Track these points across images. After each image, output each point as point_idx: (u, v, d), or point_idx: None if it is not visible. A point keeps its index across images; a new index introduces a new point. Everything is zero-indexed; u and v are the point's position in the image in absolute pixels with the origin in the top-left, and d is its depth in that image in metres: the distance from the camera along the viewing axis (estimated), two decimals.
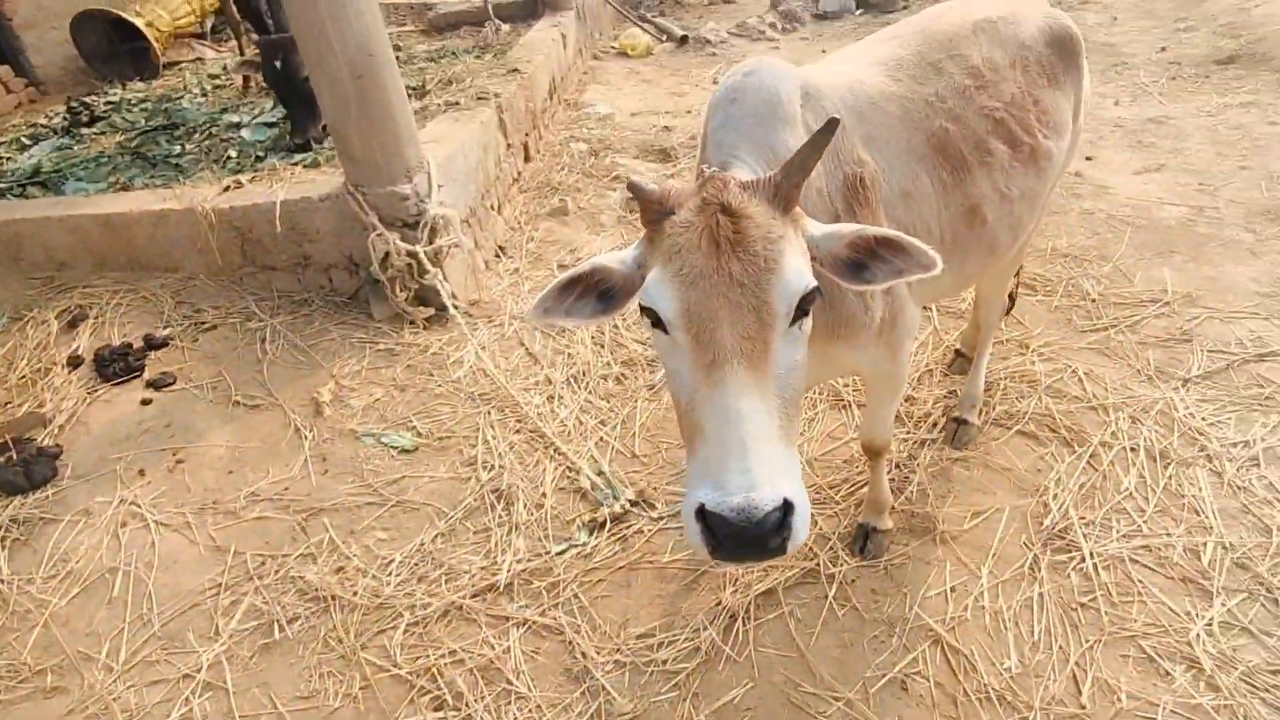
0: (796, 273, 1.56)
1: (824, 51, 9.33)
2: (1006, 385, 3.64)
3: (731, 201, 1.58)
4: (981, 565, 2.85)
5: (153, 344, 4.09)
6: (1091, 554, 2.83)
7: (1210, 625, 2.57)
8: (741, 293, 1.53)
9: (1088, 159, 5.65)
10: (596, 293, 1.77)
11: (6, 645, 2.86)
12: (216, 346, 4.12)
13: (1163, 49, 7.88)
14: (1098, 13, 9.36)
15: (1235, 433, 3.26)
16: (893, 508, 3.01)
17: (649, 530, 3.12)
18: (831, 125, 1.59)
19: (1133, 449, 3.24)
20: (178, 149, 5.46)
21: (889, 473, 3.08)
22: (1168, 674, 2.46)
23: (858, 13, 11.23)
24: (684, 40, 9.98)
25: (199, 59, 8.02)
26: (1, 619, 2.94)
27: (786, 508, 1.44)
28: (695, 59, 9.36)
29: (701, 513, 1.45)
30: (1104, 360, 3.74)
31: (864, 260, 1.73)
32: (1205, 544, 2.83)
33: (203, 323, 4.25)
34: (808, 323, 1.64)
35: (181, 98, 6.61)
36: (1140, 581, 2.74)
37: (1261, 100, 6.39)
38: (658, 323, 1.61)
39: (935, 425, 3.47)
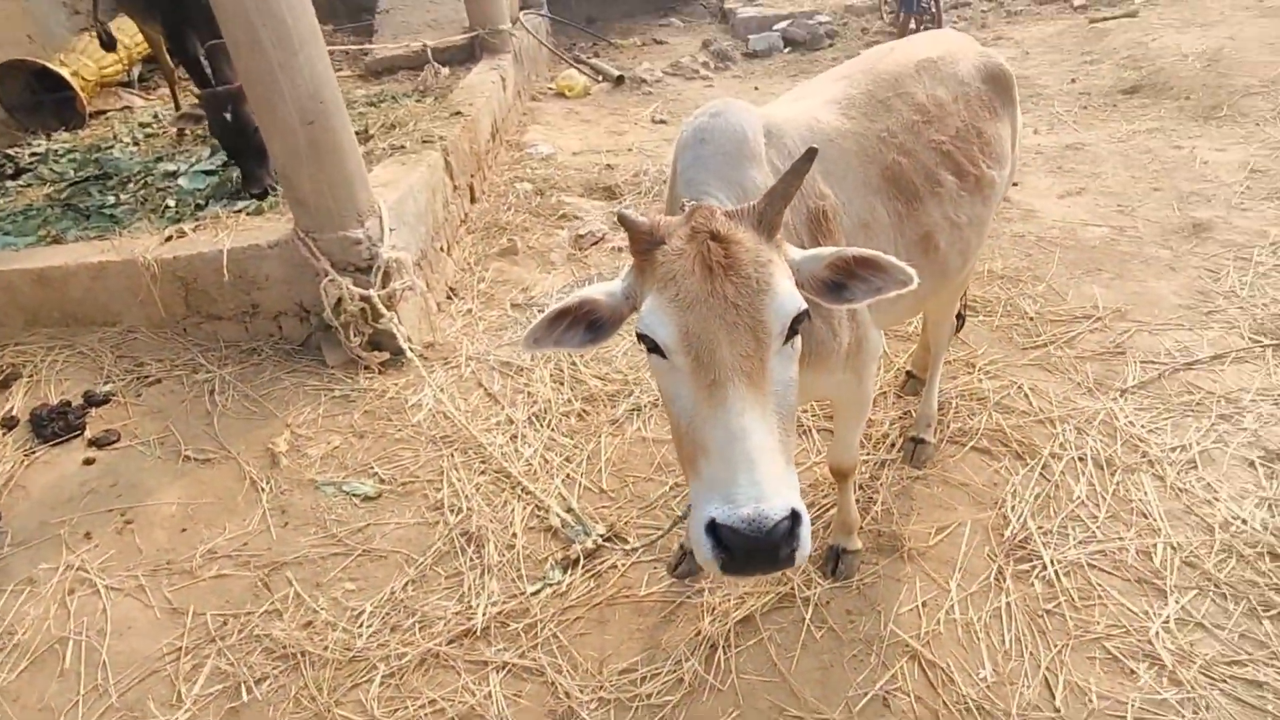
0: (788, 294, 1.63)
1: (756, 89, 9.59)
2: (958, 403, 3.77)
3: (720, 228, 1.65)
4: (949, 579, 2.93)
5: (93, 401, 3.95)
6: (1052, 561, 2.94)
7: (1167, 623, 2.69)
8: (737, 314, 1.58)
9: (1015, 185, 5.91)
10: (585, 323, 1.82)
11: None
12: (162, 400, 4.00)
13: (1073, 80, 8.32)
14: (1010, 48, 9.85)
15: (1172, 438, 3.43)
16: (860, 528, 3.08)
17: (623, 565, 3.12)
18: (811, 154, 1.67)
19: (1080, 458, 3.38)
20: (111, 199, 5.30)
21: (854, 494, 3.15)
22: (1133, 672, 2.56)
23: (785, 51, 11.59)
24: (620, 80, 10.14)
25: (127, 107, 7.83)
26: None
27: (795, 517, 1.48)
28: (632, 98, 9.51)
29: (712, 528, 1.49)
30: (1046, 375, 3.90)
31: (843, 281, 1.81)
32: (1155, 545, 2.96)
33: (146, 376, 4.12)
34: (798, 341, 1.71)
35: (112, 147, 6.44)
36: (1099, 585, 2.85)
37: (1165, 126, 6.80)
38: (655, 348, 1.65)
39: (894, 446, 3.57)
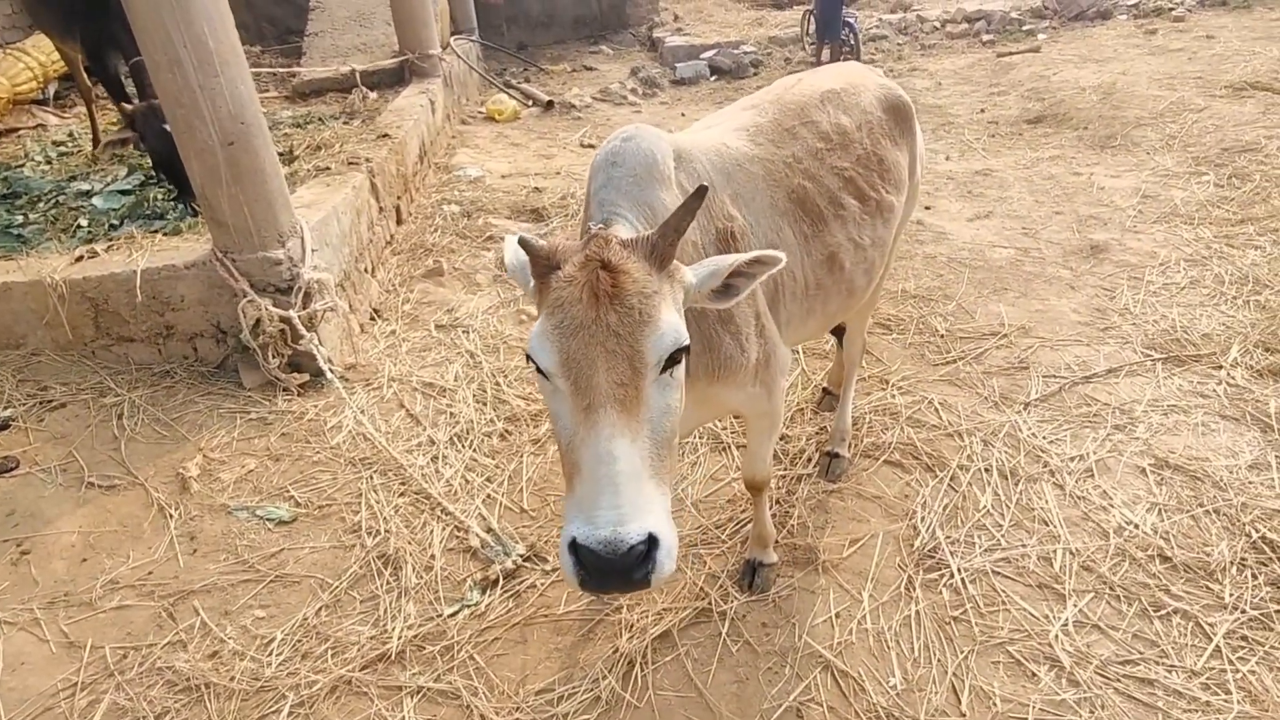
0: (670, 326, 1.68)
1: (683, 115, 9.77)
2: (871, 418, 3.87)
3: (611, 258, 1.69)
4: (862, 589, 3.00)
5: None
6: (959, 570, 3.03)
7: (1066, 626, 2.79)
8: (617, 342, 1.63)
9: (926, 208, 6.15)
10: None
11: None
12: (66, 426, 3.86)
13: (982, 110, 8.69)
14: (924, 79, 10.24)
15: (1071, 448, 3.59)
16: (776, 541, 3.14)
17: (542, 584, 3.12)
18: (701, 191, 1.73)
19: (986, 470, 3.50)
20: (19, 219, 5.13)
21: (770, 508, 3.21)
22: (1034, 675, 2.64)
23: (712, 79, 11.84)
24: (550, 105, 10.23)
25: (41, 125, 7.61)
26: None
27: (652, 542, 1.54)
28: (561, 122, 9.60)
29: (574, 546, 1.55)
30: (955, 390, 4.04)
31: (731, 282, 1.90)
32: (1055, 551, 3.08)
33: (49, 401, 3.97)
34: (679, 370, 1.75)
35: (23, 165, 6.24)
36: (1003, 591, 2.94)
37: (1066, 154, 7.16)
38: (541, 369, 1.70)
39: (810, 460, 3.65)
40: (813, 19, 12.14)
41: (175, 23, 3.49)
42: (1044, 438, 3.66)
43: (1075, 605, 2.86)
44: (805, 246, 2.57)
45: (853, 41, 11.53)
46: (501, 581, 3.12)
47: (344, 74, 8.32)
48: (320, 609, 3.04)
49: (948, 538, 3.17)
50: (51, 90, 8.44)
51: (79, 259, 4.18)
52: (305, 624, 2.98)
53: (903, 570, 3.07)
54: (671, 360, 1.69)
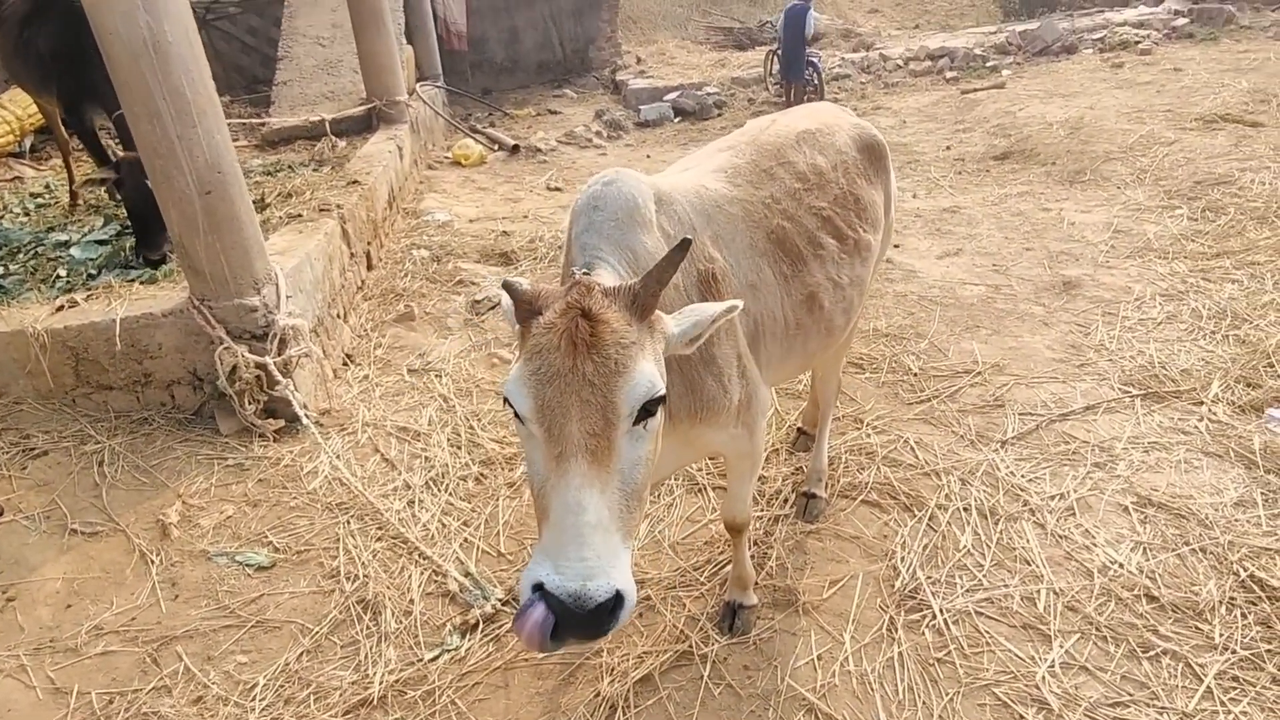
0: (645, 377, 1.70)
1: (648, 156, 9.88)
2: (847, 458, 3.90)
3: (592, 306, 1.71)
4: (843, 631, 2.99)
5: None
6: (941, 610, 3.01)
7: (1053, 667, 2.76)
8: (592, 392, 1.65)
9: (895, 246, 6.22)
10: None
11: None
12: (48, 473, 3.83)
13: (948, 148, 8.83)
14: (888, 117, 10.41)
15: (1051, 486, 3.60)
16: (756, 583, 3.14)
17: None
18: (685, 244, 1.76)
19: (965, 509, 3.51)
20: (0, 270, 5.14)
21: (749, 550, 3.22)
22: (1021, 717, 2.61)
23: (676, 120, 12.03)
24: (515, 149, 10.35)
25: (18, 178, 7.64)
26: None
27: (617, 598, 1.56)
28: (528, 166, 9.69)
29: (539, 588, 1.56)
30: (931, 429, 4.07)
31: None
32: (1039, 591, 3.06)
33: (31, 449, 3.95)
34: (654, 421, 1.77)
35: (1, 217, 6.25)
36: (987, 632, 2.92)
37: (1034, 190, 7.27)
38: (517, 414, 1.72)
39: (787, 501, 3.66)
40: (777, 58, 12.37)
41: (154, 74, 3.53)
42: (1023, 476, 3.67)
43: (1061, 646, 2.83)
44: (785, 286, 2.61)
45: (816, 81, 11.75)
46: (481, 625, 3.10)
47: (313, 122, 8.45)
48: (301, 654, 3.02)
49: (929, 578, 3.17)
50: (28, 144, 8.52)
51: (59, 308, 4.18)
52: (287, 669, 2.96)
53: (884, 611, 3.06)
54: (645, 411, 1.71)
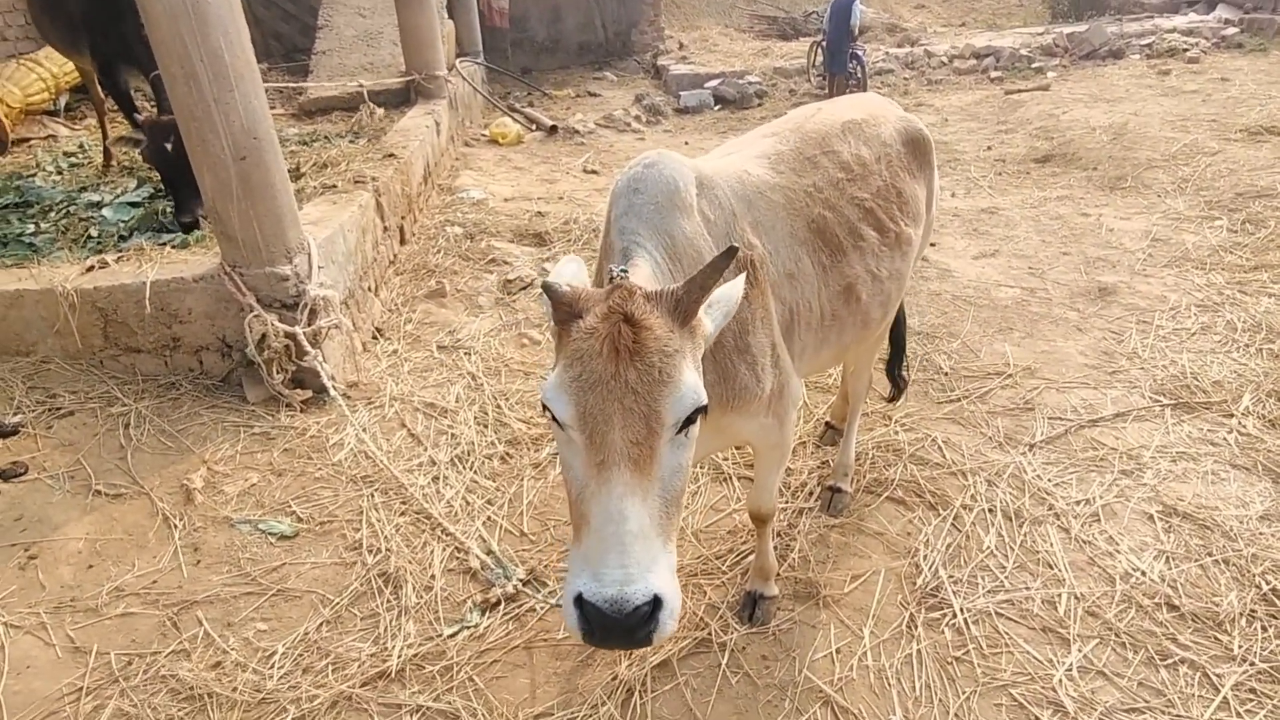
0: (690, 387, 1.66)
1: (687, 143, 9.83)
2: (874, 454, 3.87)
3: (635, 311, 1.66)
4: (863, 626, 2.98)
5: (2, 432, 3.81)
6: (961, 610, 3.00)
7: (1070, 671, 2.76)
8: (635, 400, 1.61)
9: (932, 245, 6.16)
10: None
11: None
12: (74, 433, 3.87)
13: (989, 148, 8.73)
14: (931, 114, 10.30)
15: (1077, 492, 3.57)
16: (778, 574, 3.13)
17: (542, 608, 3.11)
18: (730, 251, 1.71)
19: (990, 510, 3.48)
20: (31, 228, 5.17)
21: (772, 541, 3.20)
22: (1037, 719, 2.61)
23: (716, 108, 11.94)
24: (553, 130, 10.32)
25: (52, 136, 7.68)
26: None
27: (656, 602, 1.54)
28: (565, 148, 9.66)
29: (579, 600, 1.55)
30: (959, 429, 4.04)
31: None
32: (1060, 595, 3.05)
33: (59, 408, 3.98)
34: (694, 429, 1.73)
35: (34, 175, 6.29)
36: (1006, 633, 2.91)
37: (1074, 194, 7.17)
38: (557, 419, 1.68)
39: (812, 494, 3.64)
40: (821, 50, 12.26)
41: (192, 35, 3.53)
42: (1049, 480, 3.64)
43: (1080, 650, 2.83)
44: (823, 277, 2.58)
45: (860, 74, 11.65)
46: (502, 604, 3.10)
47: (351, 92, 8.38)
48: (321, 624, 3.03)
49: (950, 577, 3.16)
50: (63, 101, 8.54)
51: (90, 269, 4.21)
52: (306, 639, 2.97)
53: (904, 608, 3.05)
54: (688, 420, 1.68)
